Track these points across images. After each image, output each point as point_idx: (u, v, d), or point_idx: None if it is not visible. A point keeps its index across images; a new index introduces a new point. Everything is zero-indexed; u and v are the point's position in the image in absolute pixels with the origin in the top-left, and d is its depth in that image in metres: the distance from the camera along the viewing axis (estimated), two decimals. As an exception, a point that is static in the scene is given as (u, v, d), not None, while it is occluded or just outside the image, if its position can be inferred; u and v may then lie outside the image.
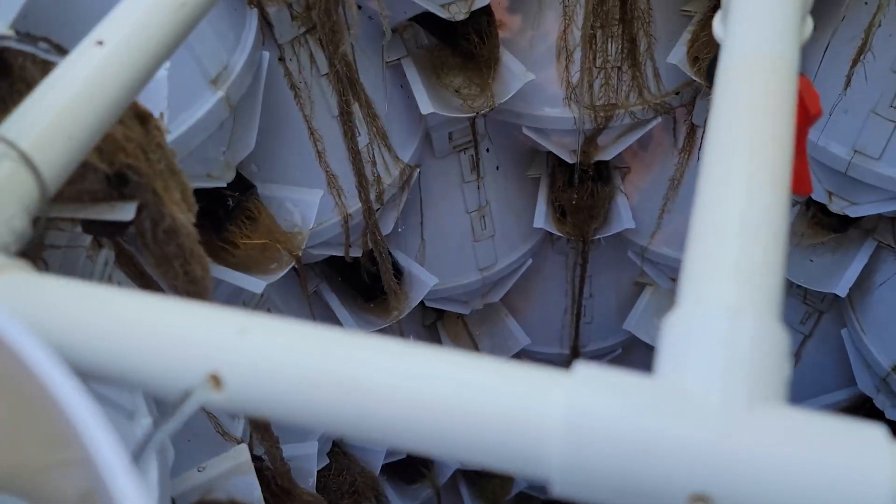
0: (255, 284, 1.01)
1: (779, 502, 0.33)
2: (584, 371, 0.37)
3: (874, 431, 0.34)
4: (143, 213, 0.69)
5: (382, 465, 1.59)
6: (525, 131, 1.34)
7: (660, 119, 1.37)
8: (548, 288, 1.63)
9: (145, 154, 0.65)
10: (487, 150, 1.40)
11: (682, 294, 0.41)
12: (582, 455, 0.35)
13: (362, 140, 1.18)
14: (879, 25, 1.01)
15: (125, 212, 0.65)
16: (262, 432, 1.00)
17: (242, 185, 1.03)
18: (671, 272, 1.61)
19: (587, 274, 1.66)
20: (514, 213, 1.48)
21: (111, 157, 0.63)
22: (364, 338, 0.41)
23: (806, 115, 0.61)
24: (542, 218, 1.45)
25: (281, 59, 1.07)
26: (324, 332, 0.40)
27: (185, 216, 0.68)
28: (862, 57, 1.06)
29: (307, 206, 1.11)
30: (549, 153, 1.39)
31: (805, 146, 0.65)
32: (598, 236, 1.48)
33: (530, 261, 1.58)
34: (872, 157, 1.19)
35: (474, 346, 1.80)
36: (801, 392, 1.70)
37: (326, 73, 1.12)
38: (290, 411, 0.39)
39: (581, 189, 1.42)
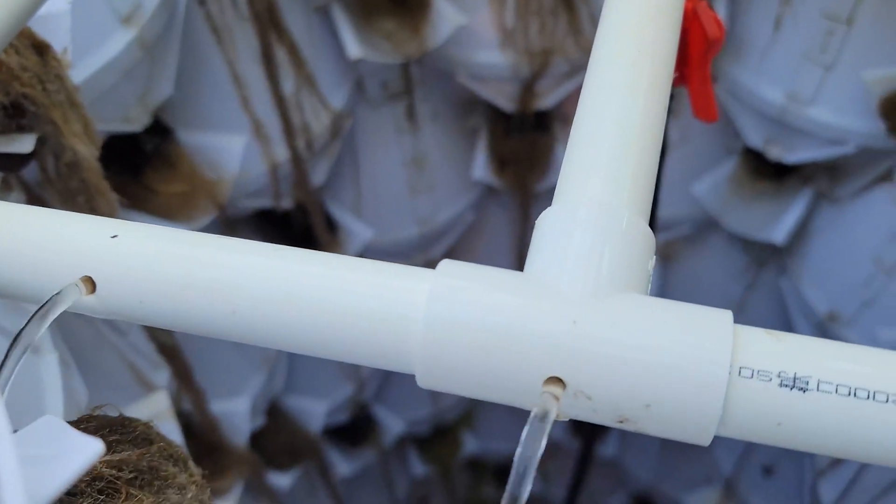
0: (176, 231, 1.01)
1: (624, 380, 0.36)
2: (449, 267, 0.39)
3: (720, 315, 0.37)
4: (44, 148, 0.70)
5: (325, 428, 1.61)
6: (461, 79, 1.36)
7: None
8: (493, 244, 1.65)
9: (42, 84, 0.66)
10: (424, 98, 1.41)
11: (556, 193, 0.43)
12: (442, 347, 0.37)
13: (290, 87, 1.18)
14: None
15: (23, 144, 0.66)
16: (184, 382, 1.02)
17: (161, 130, 1.04)
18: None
19: (531, 224, 1.66)
20: (453, 164, 1.50)
21: (6, 87, 0.64)
22: (236, 241, 0.43)
23: (704, 38, 0.64)
24: (481, 169, 1.47)
25: (202, 1, 1.07)
26: (194, 236, 0.42)
27: (87, 149, 0.69)
28: (790, 2, 1.09)
29: (230, 153, 1.12)
30: (488, 102, 1.41)
31: (709, 73, 0.68)
32: (539, 185, 1.51)
33: (472, 217, 1.60)
34: (805, 102, 1.22)
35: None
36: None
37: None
38: (159, 313, 0.41)
39: (520, 139, 1.44)
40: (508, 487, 0.34)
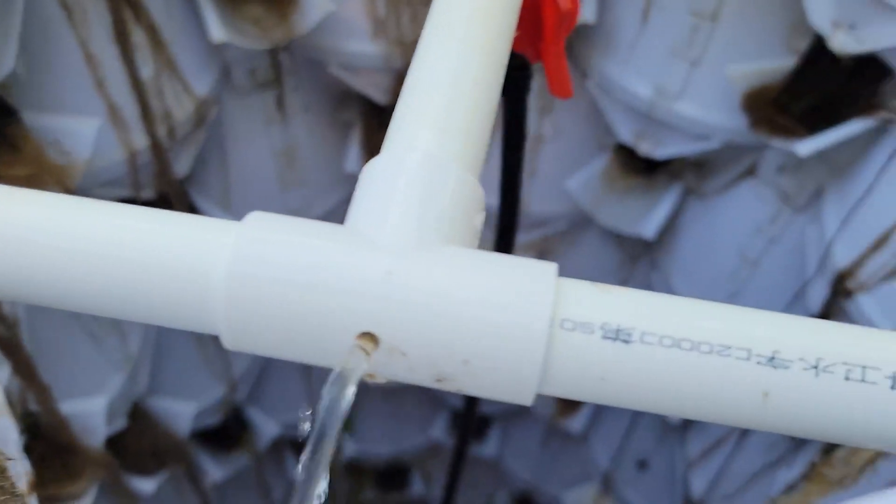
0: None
1: (440, 334, 0.33)
2: (257, 218, 0.36)
3: (544, 267, 0.35)
4: None
5: (195, 431, 1.55)
6: (333, 70, 1.33)
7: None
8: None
9: None
10: (295, 89, 1.37)
11: (384, 143, 0.41)
12: (246, 304, 0.34)
13: (149, 70, 1.13)
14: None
15: None
16: (26, 379, 0.95)
17: (4, 110, 0.97)
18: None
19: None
20: (326, 157, 1.47)
21: None
22: (17, 190, 0.39)
23: (557, 10, 0.63)
24: (354, 163, 1.44)
25: (50, -25, 1.01)
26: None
27: None
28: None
29: (81, 137, 1.05)
30: (361, 94, 1.38)
31: (561, 47, 0.66)
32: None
33: (346, 207, 1.56)
34: (672, 97, 1.24)
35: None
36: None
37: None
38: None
39: (395, 132, 1.41)
40: (307, 449, 0.31)
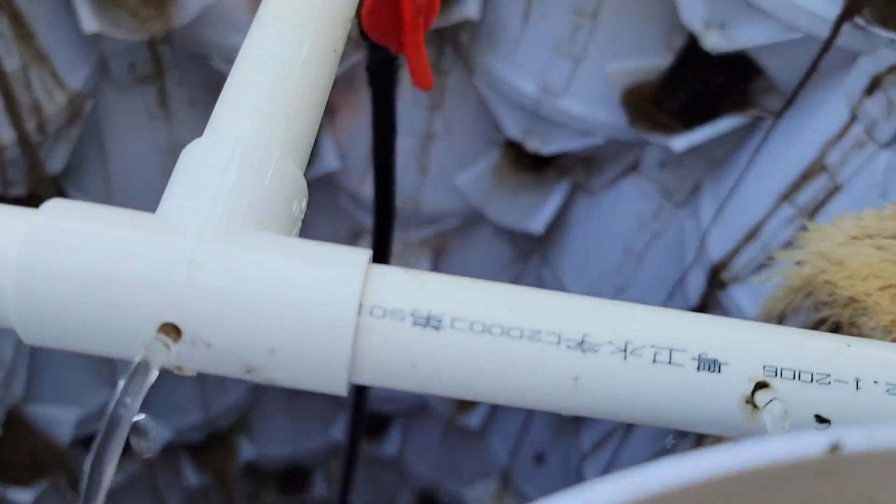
0: None
1: (244, 323, 0.32)
2: (56, 206, 0.34)
3: (355, 254, 0.35)
4: None
5: (77, 438, 1.49)
6: (216, 64, 1.30)
7: (361, 54, 1.37)
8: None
9: None
10: (178, 84, 1.34)
11: (207, 128, 0.40)
12: (39, 295, 0.32)
13: (15, 62, 1.08)
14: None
15: None
16: None
17: None
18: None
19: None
20: (212, 153, 1.43)
21: None
22: None
23: (413, 4, 0.63)
24: (241, 159, 1.41)
25: None
26: None
27: None
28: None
29: (-63, 129, 1.00)
30: (247, 89, 1.35)
31: (421, 39, 0.66)
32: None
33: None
34: (557, 94, 1.26)
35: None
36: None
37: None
38: None
39: (283, 128, 1.39)
40: (94, 447, 0.29)
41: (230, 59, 1.29)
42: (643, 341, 0.35)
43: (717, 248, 1.17)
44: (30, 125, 1.11)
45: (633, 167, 1.36)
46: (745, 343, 0.36)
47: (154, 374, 0.31)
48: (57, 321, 0.33)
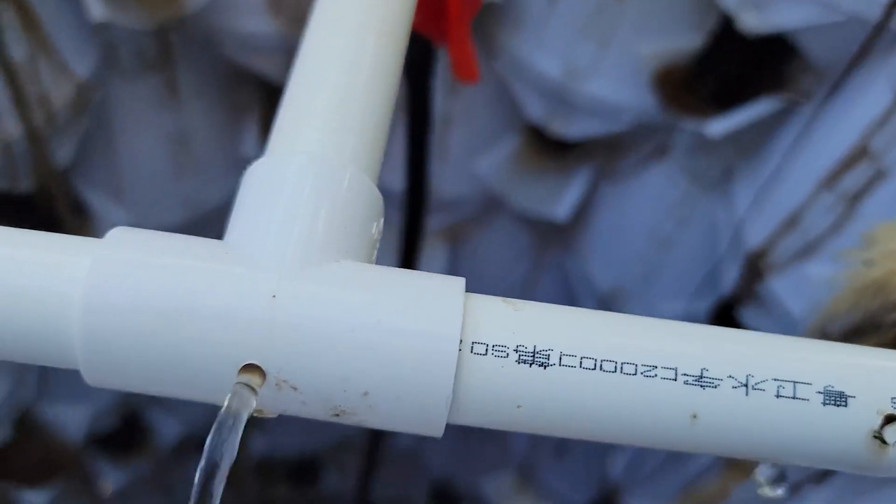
0: None
1: (334, 364, 0.30)
2: (121, 235, 0.31)
3: (450, 283, 0.32)
4: None
5: (90, 436, 1.47)
6: (227, 51, 1.26)
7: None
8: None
9: None
10: (187, 71, 1.30)
11: (268, 145, 0.37)
12: (107, 334, 0.29)
13: (22, 52, 1.04)
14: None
15: None
16: None
17: None
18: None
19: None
20: (222, 142, 1.40)
21: None
22: None
23: (460, -6, 0.59)
24: (251, 147, 1.38)
25: None
26: None
27: None
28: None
29: (-56, 126, 0.97)
30: (258, 76, 1.32)
31: (466, 29, 0.63)
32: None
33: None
34: (582, 76, 1.23)
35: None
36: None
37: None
38: None
39: (296, 115, 1.36)
40: (192, 498, 0.27)
41: (242, 45, 1.26)
42: (765, 374, 0.32)
43: (753, 237, 1.14)
44: (38, 118, 1.08)
45: (661, 151, 1.33)
46: (872, 373, 0.33)
47: (243, 422, 0.29)
48: (127, 363, 0.30)
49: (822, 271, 1.08)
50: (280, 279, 0.30)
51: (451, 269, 1.62)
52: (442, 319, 0.30)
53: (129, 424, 1.55)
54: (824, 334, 0.93)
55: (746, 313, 1.21)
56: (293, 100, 0.38)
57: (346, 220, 0.33)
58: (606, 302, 1.45)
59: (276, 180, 0.34)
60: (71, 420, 1.39)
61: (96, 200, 1.28)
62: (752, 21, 1.07)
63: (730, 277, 1.20)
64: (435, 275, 0.33)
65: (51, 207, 1.19)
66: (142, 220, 1.34)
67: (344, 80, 0.38)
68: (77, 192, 1.27)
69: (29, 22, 1.04)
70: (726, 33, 1.13)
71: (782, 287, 1.12)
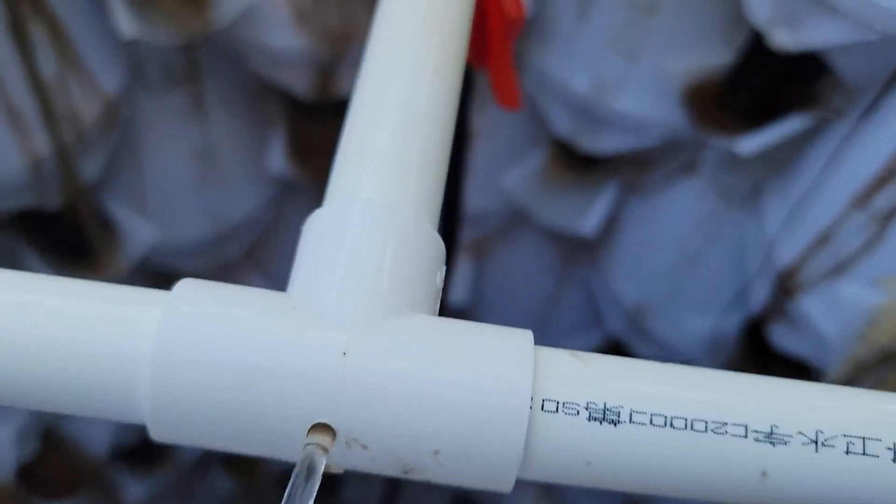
0: None
1: (406, 423, 0.29)
2: (188, 287, 0.31)
3: (520, 338, 0.32)
4: None
5: (113, 449, 1.48)
6: (254, 65, 1.27)
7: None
8: (294, 237, 1.56)
9: None
10: (213, 85, 1.31)
11: (327, 192, 0.37)
12: (176, 390, 0.29)
13: (52, 69, 1.05)
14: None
15: None
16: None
17: None
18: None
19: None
20: (248, 156, 1.41)
21: None
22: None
23: (504, 20, 0.59)
24: (278, 161, 1.38)
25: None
26: None
27: None
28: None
29: (-23, 145, 0.98)
30: (285, 90, 1.33)
31: (508, 55, 0.63)
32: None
33: (272, 214, 1.52)
34: (610, 92, 1.23)
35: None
36: (557, 333, 1.77)
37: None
38: None
39: (321, 128, 1.37)
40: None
41: (269, 59, 1.27)
42: (835, 430, 0.32)
43: (783, 254, 1.13)
44: (68, 134, 1.09)
45: (689, 167, 1.33)
46: (944, 428, 0.33)
47: (317, 484, 0.28)
48: (195, 419, 0.30)
49: (853, 291, 1.07)
50: (350, 337, 0.30)
51: (477, 283, 1.62)
52: (514, 378, 0.30)
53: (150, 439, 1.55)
54: (858, 363, 0.92)
55: (776, 332, 1.20)
56: (351, 144, 0.38)
57: (411, 271, 0.33)
58: (631, 316, 1.44)
59: (338, 230, 0.34)
60: (95, 434, 1.39)
61: (123, 215, 1.29)
62: (784, 38, 1.06)
63: (759, 294, 1.20)
64: (503, 328, 0.32)
65: (78, 223, 1.20)
66: (167, 234, 1.34)
67: (402, 122, 0.38)
68: (104, 207, 1.27)
69: (59, 38, 1.04)
70: (757, 49, 1.13)
71: (813, 306, 1.11)
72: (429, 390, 0.30)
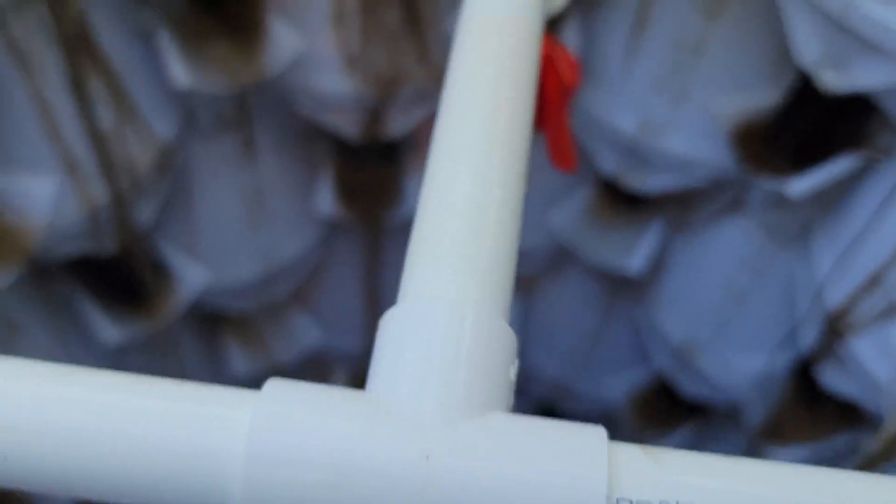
0: (-27, 290, 0.91)
1: (486, 524, 0.31)
2: (276, 388, 0.33)
3: (592, 435, 0.33)
4: None
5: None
6: (303, 108, 1.30)
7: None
8: (342, 277, 1.59)
9: None
10: (263, 128, 1.34)
11: (401, 290, 0.38)
12: (267, 485, 0.31)
13: (109, 119, 1.09)
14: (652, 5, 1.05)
15: None
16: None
17: (-47, 173, 0.92)
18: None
19: (383, 260, 1.64)
20: (296, 197, 1.44)
21: None
22: (24, 363, 0.36)
23: (560, 85, 0.61)
24: (326, 202, 1.41)
25: (2, 25, 0.97)
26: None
27: None
28: (642, 31, 1.10)
29: (39, 197, 1.01)
30: (332, 132, 1.35)
31: (564, 119, 0.65)
32: (389, 219, 1.46)
33: (319, 253, 1.54)
34: (657, 131, 1.24)
35: (262, 343, 1.74)
36: (602, 370, 1.77)
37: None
38: None
39: (367, 169, 1.39)
40: None
41: (318, 103, 1.29)
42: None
43: (833, 295, 1.13)
44: (123, 182, 1.12)
45: (736, 205, 1.33)
46: None
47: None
48: (284, 516, 0.32)
49: (907, 335, 1.07)
50: (431, 439, 0.32)
51: (524, 320, 1.63)
52: (590, 477, 0.31)
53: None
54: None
55: (826, 373, 1.20)
56: (422, 242, 0.39)
57: (487, 370, 0.35)
58: (679, 354, 1.44)
59: (413, 330, 0.35)
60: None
61: (175, 258, 1.32)
62: (832, 80, 1.07)
63: (809, 335, 1.19)
64: (576, 424, 0.34)
65: (133, 267, 1.23)
66: (218, 276, 1.37)
67: (471, 219, 0.40)
68: (157, 251, 1.31)
69: (115, 90, 1.08)
70: (805, 90, 1.13)
71: (864, 348, 1.10)
72: (508, 492, 0.31)
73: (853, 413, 1.28)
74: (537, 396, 1.98)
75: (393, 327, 0.36)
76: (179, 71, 1.11)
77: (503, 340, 0.36)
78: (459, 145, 0.43)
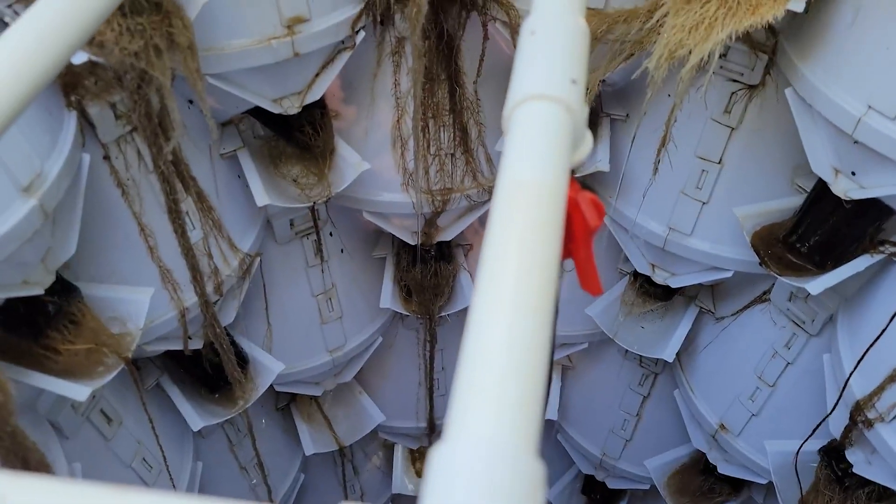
0: (79, 391, 0.96)
1: None
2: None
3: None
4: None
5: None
6: (366, 216, 1.36)
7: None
8: (400, 364, 1.64)
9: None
10: (331, 233, 1.41)
11: (446, 429, 0.42)
12: None
13: (197, 233, 1.16)
14: (675, 121, 1.09)
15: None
16: None
17: (64, 288, 1.00)
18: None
19: (438, 348, 1.68)
20: (361, 293, 1.49)
21: None
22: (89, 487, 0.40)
23: (586, 228, 0.65)
24: (388, 298, 1.46)
25: (106, 157, 1.05)
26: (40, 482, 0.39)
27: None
28: (665, 146, 1.14)
29: (136, 306, 1.08)
30: (393, 236, 1.42)
31: (591, 252, 0.69)
32: (444, 313, 1.51)
33: (380, 339, 1.59)
34: (685, 233, 1.27)
35: (328, 425, 1.78)
36: (646, 449, 1.77)
37: (157, 169, 1.10)
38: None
39: (425, 269, 1.45)
40: None
41: (380, 212, 1.36)
42: None
43: (860, 383, 1.13)
44: (209, 287, 1.19)
45: (763, 297, 1.35)
46: None
47: None
48: None
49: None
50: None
51: (566, 395, 1.64)
52: None
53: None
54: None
55: (856, 457, 1.19)
56: (463, 385, 0.44)
57: (517, 500, 0.38)
58: (715, 436, 1.44)
59: (455, 465, 0.39)
60: None
61: (253, 351, 1.38)
62: (848, 187, 1.09)
63: (838, 420, 1.19)
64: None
65: (216, 361, 1.29)
66: (293, 366, 1.43)
67: (506, 363, 0.44)
68: (237, 345, 1.37)
69: (204, 208, 1.15)
70: (823, 196, 1.15)
71: (892, 435, 1.10)
72: None
73: (887, 494, 1.26)
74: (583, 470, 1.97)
75: (439, 465, 0.40)
76: (260, 191, 1.18)
77: (533, 477, 0.40)
78: (493, 303, 0.47)
